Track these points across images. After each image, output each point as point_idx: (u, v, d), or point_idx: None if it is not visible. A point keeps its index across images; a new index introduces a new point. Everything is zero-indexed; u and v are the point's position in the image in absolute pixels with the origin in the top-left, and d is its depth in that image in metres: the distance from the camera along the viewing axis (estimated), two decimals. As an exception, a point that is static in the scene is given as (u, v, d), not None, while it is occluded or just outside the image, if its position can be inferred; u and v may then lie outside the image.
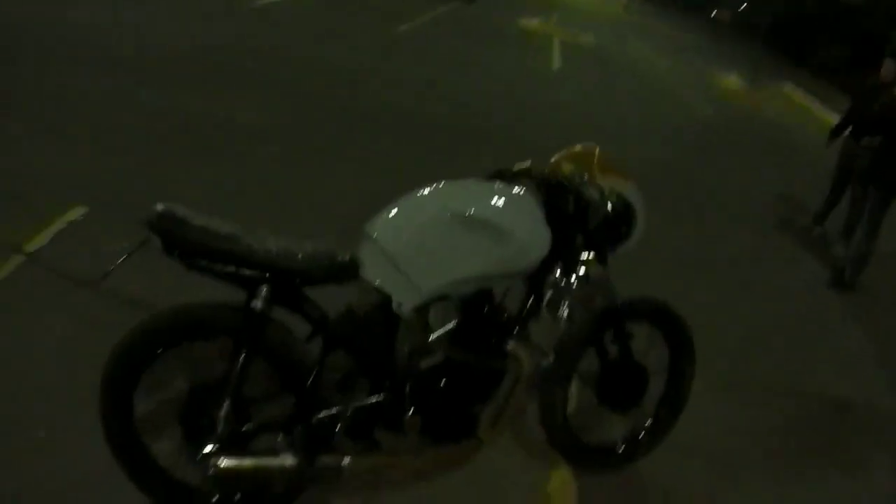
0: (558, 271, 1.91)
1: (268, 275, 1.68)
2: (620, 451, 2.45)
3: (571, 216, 1.90)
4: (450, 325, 1.88)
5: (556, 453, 2.36)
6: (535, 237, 1.81)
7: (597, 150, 1.97)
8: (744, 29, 23.05)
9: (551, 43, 12.25)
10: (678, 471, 2.55)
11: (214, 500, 1.86)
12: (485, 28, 13.05)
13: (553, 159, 2.04)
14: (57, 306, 2.61)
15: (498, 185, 1.85)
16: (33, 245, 2.93)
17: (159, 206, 1.62)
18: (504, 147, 5.74)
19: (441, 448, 1.97)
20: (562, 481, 2.37)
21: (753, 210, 6.12)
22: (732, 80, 13.62)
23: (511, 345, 1.96)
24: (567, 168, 1.95)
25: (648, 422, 2.49)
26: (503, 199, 1.80)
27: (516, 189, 1.85)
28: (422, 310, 1.85)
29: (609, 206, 1.94)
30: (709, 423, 2.81)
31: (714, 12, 26.94)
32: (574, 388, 2.32)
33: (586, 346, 2.18)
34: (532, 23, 14.31)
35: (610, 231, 1.98)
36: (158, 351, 1.72)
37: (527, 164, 2.03)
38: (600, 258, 1.98)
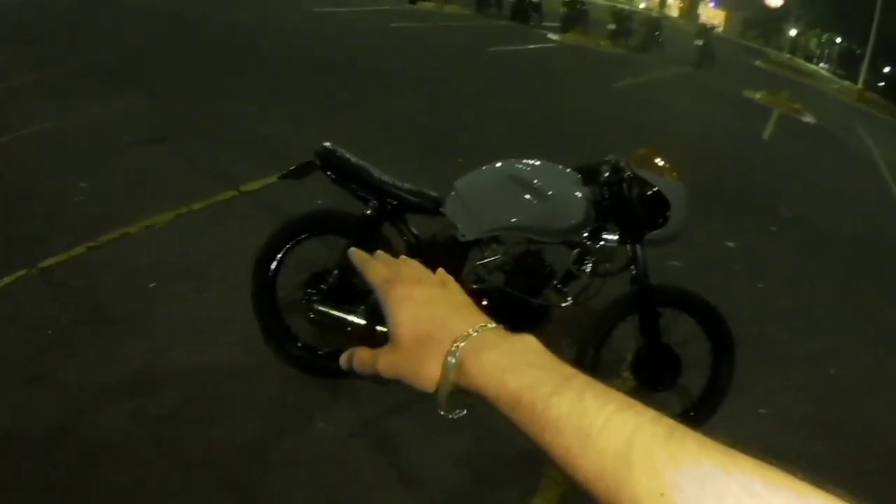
0: (586, 235, 2.42)
1: (380, 197, 2.50)
2: None
3: (608, 198, 2.39)
4: (496, 259, 2.49)
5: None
6: (569, 203, 2.38)
7: (642, 150, 2.45)
8: None
9: (770, 115, 11.92)
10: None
11: (300, 345, 2.67)
12: (707, 90, 13.11)
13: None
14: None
15: (551, 164, 2.47)
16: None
17: (326, 144, 2.55)
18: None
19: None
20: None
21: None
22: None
23: (546, 291, 2.53)
24: (634, 163, 2.40)
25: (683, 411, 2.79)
26: (550, 172, 2.45)
27: (565, 169, 2.46)
28: (483, 245, 2.51)
29: (640, 193, 2.36)
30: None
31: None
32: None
33: (618, 315, 2.61)
34: (757, 93, 13.97)
35: (644, 216, 2.39)
36: (301, 236, 2.62)
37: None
38: (629, 236, 2.43)
